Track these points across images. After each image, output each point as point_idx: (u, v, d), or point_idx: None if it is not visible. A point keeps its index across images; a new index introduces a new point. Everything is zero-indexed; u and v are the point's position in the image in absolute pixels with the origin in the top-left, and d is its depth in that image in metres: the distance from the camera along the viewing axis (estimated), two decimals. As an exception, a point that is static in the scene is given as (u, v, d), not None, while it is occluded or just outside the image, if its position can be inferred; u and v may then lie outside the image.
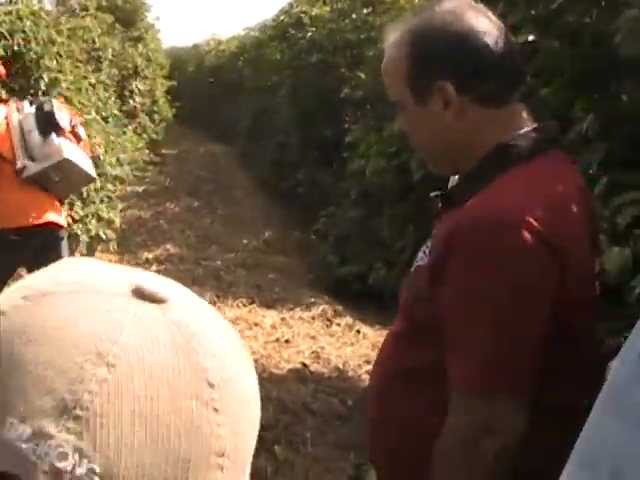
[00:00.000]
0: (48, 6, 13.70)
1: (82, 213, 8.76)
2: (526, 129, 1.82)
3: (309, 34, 11.31)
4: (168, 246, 9.92)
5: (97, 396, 0.61)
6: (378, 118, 7.72)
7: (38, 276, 0.72)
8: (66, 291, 0.68)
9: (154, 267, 8.81)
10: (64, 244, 5.69)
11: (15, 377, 0.62)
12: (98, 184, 9.69)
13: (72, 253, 8.61)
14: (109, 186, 10.91)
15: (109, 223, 9.47)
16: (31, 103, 5.63)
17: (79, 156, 5.53)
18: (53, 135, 5.34)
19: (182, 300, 0.71)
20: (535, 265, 1.66)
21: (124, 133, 15.59)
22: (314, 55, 10.59)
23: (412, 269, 1.91)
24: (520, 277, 1.66)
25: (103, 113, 13.54)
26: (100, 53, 13.73)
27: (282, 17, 14.03)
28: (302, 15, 12.03)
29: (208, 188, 14.93)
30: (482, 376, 1.66)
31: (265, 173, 14.48)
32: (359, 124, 8.68)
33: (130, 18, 17.93)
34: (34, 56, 8.27)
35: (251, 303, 7.60)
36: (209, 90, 23.83)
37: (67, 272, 0.72)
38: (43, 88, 8.61)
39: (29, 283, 0.71)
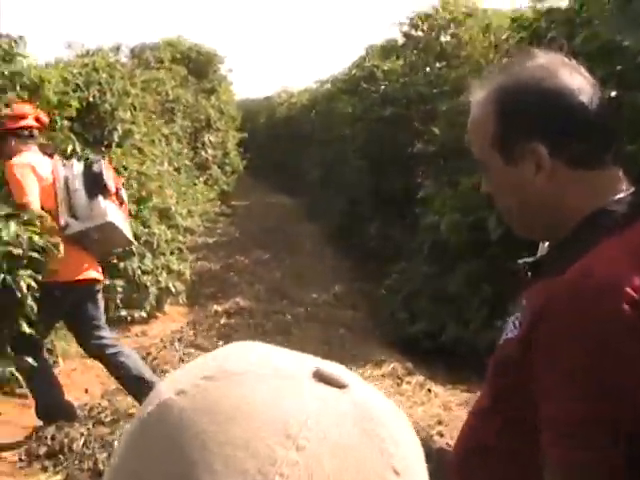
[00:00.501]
0: (124, 59, 13.94)
1: (151, 265, 8.75)
2: (622, 194, 1.69)
3: (382, 87, 11.25)
4: (238, 299, 9.84)
5: (288, 479, 0.60)
6: (452, 172, 7.61)
7: (219, 354, 0.71)
8: (251, 372, 0.67)
9: (223, 320, 8.75)
10: (100, 297, 5.86)
11: (202, 456, 0.62)
12: (169, 235, 9.70)
13: (141, 305, 8.63)
14: (180, 237, 10.93)
15: (179, 275, 9.45)
16: (79, 160, 5.77)
17: (121, 220, 5.68)
18: (100, 197, 5.46)
19: (360, 385, 0.70)
20: (636, 337, 1.53)
21: (195, 184, 15.70)
22: (387, 108, 10.52)
23: (500, 341, 1.79)
24: (621, 348, 1.54)
25: (175, 164, 13.66)
26: (173, 105, 13.85)
27: (354, 71, 14.03)
28: (374, 69, 11.99)
29: (277, 240, 14.90)
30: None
31: (334, 226, 14.41)
32: (432, 179, 8.57)
33: (203, 70, 18.09)
34: (109, 107, 8.32)
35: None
36: (280, 142, 23.93)
37: (247, 353, 0.71)
38: (116, 140, 8.66)
39: (207, 363, 0.70)
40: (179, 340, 7.93)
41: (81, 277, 5.53)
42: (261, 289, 10.63)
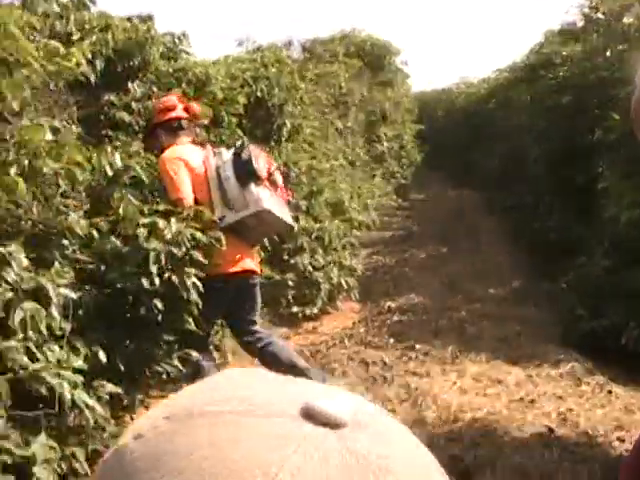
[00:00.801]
0: (296, 54, 13.94)
1: (323, 261, 8.66)
2: None
3: (560, 74, 10.78)
4: (412, 295, 9.65)
5: None
6: (632, 163, 7.16)
7: (189, 390, 0.63)
8: (216, 411, 0.58)
9: (396, 317, 8.58)
10: (258, 290, 5.74)
11: None
12: (342, 230, 9.59)
13: (312, 301, 8.56)
14: (354, 232, 10.82)
15: (351, 271, 9.33)
16: (228, 148, 5.65)
17: (277, 205, 5.50)
18: (252, 184, 5.32)
19: (366, 425, 0.59)
20: None
21: (372, 178, 15.59)
22: (565, 96, 10.08)
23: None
24: None
25: (350, 158, 13.57)
26: (347, 98, 13.75)
27: (532, 57, 13.59)
28: (552, 55, 11.52)
29: (455, 234, 14.62)
30: None
31: (513, 218, 14.00)
32: (611, 169, 8.10)
33: (378, 63, 17.95)
34: (277, 102, 8.27)
35: (495, 358, 7.18)
36: (458, 134, 23.61)
37: (222, 387, 0.62)
38: (286, 135, 8.62)
39: (177, 399, 0.62)
40: (349, 337, 7.81)
41: (239, 268, 5.46)
42: (436, 284, 10.39)
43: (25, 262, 3.93)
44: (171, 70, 6.66)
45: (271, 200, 5.45)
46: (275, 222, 5.60)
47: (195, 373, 5.31)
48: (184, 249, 4.75)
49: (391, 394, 6.09)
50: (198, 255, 4.85)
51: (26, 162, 3.83)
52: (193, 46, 6.93)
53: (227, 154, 5.51)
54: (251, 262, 5.59)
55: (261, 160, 5.53)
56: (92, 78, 5.80)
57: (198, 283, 4.82)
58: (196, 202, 5.32)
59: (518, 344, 7.73)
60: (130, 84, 6.24)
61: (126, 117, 6.08)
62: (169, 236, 4.73)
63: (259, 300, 5.81)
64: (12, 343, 3.72)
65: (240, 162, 5.39)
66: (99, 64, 5.87)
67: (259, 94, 8.05)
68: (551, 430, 5.70)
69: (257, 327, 5.76)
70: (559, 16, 28.37)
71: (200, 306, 4.94)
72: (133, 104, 6.18)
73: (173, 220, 4.86)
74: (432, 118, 27.62)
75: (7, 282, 3.77)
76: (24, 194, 3.66)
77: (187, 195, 5.32)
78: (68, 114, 4.79)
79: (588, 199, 9.06)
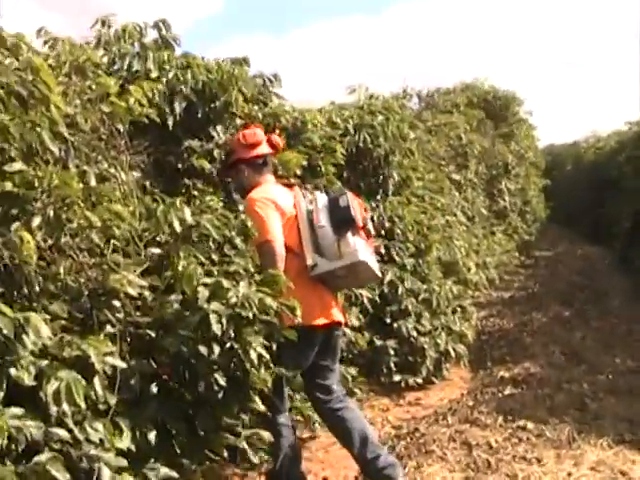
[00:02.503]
0: (414, 105, 13.39)
1: (429, 325, 7.96)
2: None
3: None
4: (527, 364, 8.78)
5: None
6: None
7: None
8: None
9: (508, 390, 7.74)
10: (340, 342, 5.43)
11: None
12: (454, 292, 8.88)
13: (417, 370, 7.86)
14: (469, 292, 10.10)
15: (461, 337, 8.56)
16: (322, 193, 5.28)
17: (370, 256, 5.09)
18: (349, 234, 4.91)
19: None
20: None
21: (493, 234, 14.86)
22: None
23: None
24: None
25: (469, 213, 12.89)
26: (467, 150, 13.09)
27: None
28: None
29: (582, 296, 13.64)
30: None
31: (646, 281, 13.00)
32: None
33: (501, 114, 17.25)
34: (382, 153, 7.67)
35: (619, 442, 6.29)
36: (587, 189, 22.64)
37: None
38: (392, 187, 8.03)
39: None
40: (452, 413, 7.02)
41: (328, 320, 5.03)
42: (556, 352, 9.47)
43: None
44: (261, 115, 6.14)
45: (365, 251, 5.02)
46: (366, 273, 5.14)
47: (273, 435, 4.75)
48: (251, 314, 4.13)
49: (495, 485, 5.30)
50: (269, 319, 4.24)
51: (51, 213, 3.29)
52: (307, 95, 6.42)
53: (321, 198, 5.09)
54: (338, 312, 5.16)
55: (357, 207, 5.08)
56: (170, 121, 5.37)
57: (265, 355, 4.19)
58: (285, 247, 4.91)
59: (647, 425, 6.80)
60: (212, 129, 5.71)
61: (206, 165, 5.55)
62: (234, 300, 4.11)
63: (339, 353, 5.35)
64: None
65: (337, 209, 4.98)
66: (177, 107, 5.38)
67: (361, 144, 7.46)
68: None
69: (334, 383, 5.24)
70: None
71: (269, 384, 4.33)
72: (215, 151, 5.64)
73: (242, 283, 4.26)
74: (561, 173, 26.80)
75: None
76: (31, 249, 3.10)
77: (277, 239, 4.90)
78: (125, 161, 4.23)
79: None
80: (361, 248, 4.94)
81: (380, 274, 5.49)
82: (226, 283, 4.19)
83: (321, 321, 4.98)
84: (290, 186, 5.42)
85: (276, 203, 5.01)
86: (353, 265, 4.91)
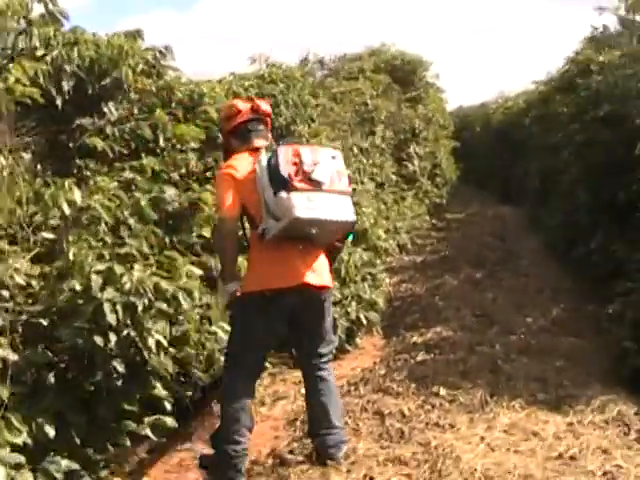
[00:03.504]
0: (319, 72, 13.28)
1: (339, 295, 7.90)
2: None
3: (594, 84, 9.97)
4: (439, 328, 8.78)
5: None
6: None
7: None
8: None
9: (421, 356, 7.72)
10: (325, 308, 5.11)
11: None
12: (364, 260, 8.85)
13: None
14: (377, 261, 10.06)
15: (372, 304, 8.52)
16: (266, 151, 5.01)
17: (320, 207, 4.75)
18: (282, 192, 4.70)
19: None
20: None
21: (403, 199, 14.87)
22: (602, 107, 9.25)
23: None
24: None
25: (378, 179, 12.86)
26: (373, 115, 13.04)
27: (568, 66, 12.82)
28: (589, 63, 10.73)
29: (493, 257, 13.69)
30: None
31: (554, 239, 13.10)
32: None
33: (408, 79, 17.23)
34: (283, 122, 7.56)
35: (531, 403, 6.31)
36: (497, 150, 22.83)
37: None
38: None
39: None
40: (365, 383, 6.99)
41: (294, 284, 4.84)
42: (468, 315, 9.51)
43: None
44: (155, 88, 5.98)
45: (304, 204, 4.71)
46: (326, 224, 4.83)
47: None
48: (146, 300, 4.01)
49: (407, 454, 5.26)
50: (163, 306, 4.11)
51: None
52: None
53: (264, 159, 4.89)
54: (312, 274, 4.93)
55: (290, 160, 4.81)
56: (58, 100, 5.20)
57: (163, 341, 4.08)
58: (250, 216, 4.94)
59: (558, 384, 6.84)
60: (104, 105, 5.54)
61: (99, 143, 5.38)
62: (128, 285, 3.98)
63: (327, 321, 5.19)
64: None
65: (269, 168, 4.80)
66: (65, 84, 5.20)
67: (259, 114, 7.35)
68: (595, 496, 4.86)
69: (319, 348, 5.17)
70: (594, 21, 27.50)
71: (169, 369, 4.21)
72: (108, 128, 5.48)
73: (137, 266, 4.13)
74: (471, 135, 26.96)
75: None
76: None
77: (228, 217, 4.86)
78: (7, 143, 4.05)
79: (631, 218, 8.24)
80: (298, 204, 4.68)
81: (350, 218, 5.02)
82: (119, 269, 4.06)
83: (275, 285, 4.78)
84: (256, 150, 5.12)
85: (236, 173, 4.93)
86: (291, 223, 4.71)
